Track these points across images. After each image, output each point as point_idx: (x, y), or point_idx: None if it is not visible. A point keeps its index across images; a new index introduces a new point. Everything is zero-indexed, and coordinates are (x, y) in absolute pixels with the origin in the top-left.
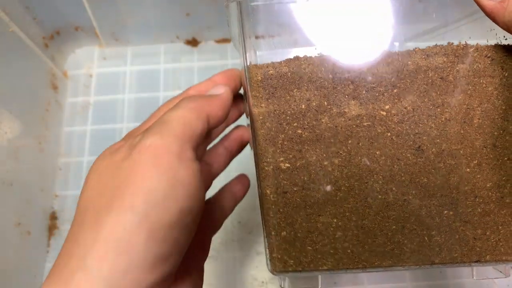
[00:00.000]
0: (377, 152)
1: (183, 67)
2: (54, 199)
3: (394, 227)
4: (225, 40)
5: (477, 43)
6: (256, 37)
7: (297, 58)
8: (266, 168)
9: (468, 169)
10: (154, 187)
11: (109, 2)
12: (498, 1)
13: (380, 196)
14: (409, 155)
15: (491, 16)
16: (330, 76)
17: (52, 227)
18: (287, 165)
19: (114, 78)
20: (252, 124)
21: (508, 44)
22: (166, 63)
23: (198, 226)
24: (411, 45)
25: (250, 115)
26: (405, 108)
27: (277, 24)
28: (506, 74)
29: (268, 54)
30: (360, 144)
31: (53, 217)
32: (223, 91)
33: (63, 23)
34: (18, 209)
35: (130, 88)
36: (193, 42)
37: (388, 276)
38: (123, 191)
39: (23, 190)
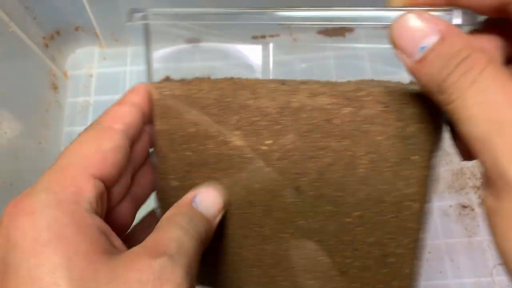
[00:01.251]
0: (256, 185)
1: (183, 67)
2: None
3: (269, 261)
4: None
5: (370, 88)
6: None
7: (189, 82)
8: (160, 182)
9: (348, 219)
10: None
11: (109, 2)
12: (416, 60)
13: (257, 228)
14: (287, 193)
15: (410, 74)
16: (218, 104)
17: None
18: (177, 183)
19: (114, 78)
20: (153, 139)
21: (409, 91)
22: None
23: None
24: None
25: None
26: (285, 146)
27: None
28: (401, 125)
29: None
30: (240, 175)
31: None
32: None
33: (63, 23)
34: None
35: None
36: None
37: None
38: None
39: (23, 190)
